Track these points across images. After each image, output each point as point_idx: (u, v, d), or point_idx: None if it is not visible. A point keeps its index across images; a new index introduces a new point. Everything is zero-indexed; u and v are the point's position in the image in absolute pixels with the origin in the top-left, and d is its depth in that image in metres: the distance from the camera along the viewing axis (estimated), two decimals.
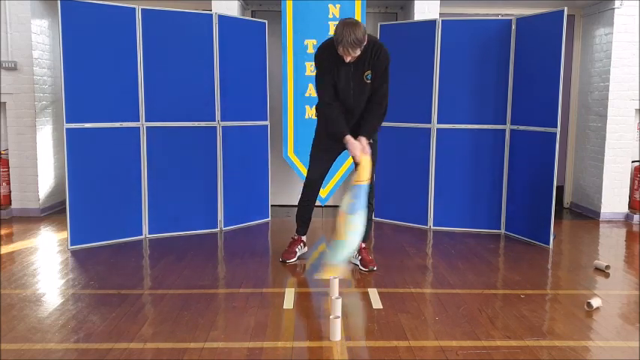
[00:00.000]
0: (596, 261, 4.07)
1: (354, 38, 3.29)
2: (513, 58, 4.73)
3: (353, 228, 3.35)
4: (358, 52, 3.41)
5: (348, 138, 3.58)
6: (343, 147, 3.69)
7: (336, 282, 3.11)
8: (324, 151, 3.85)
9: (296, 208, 4.11)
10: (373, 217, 5.29)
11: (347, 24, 3.34)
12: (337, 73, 3.56)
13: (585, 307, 3.17)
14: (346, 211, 3.37)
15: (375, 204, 3.97)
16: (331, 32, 5.11)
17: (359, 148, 3.54)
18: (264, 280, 3.67)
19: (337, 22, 3.43)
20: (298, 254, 4.03)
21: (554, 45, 4.31)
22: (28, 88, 5.33)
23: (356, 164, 3.58)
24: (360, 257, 3.89)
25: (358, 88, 3.59)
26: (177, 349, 2.62)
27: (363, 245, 3.91)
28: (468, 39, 4.83)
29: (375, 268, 3.80)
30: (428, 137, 4.99)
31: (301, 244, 4.09)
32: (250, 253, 4.24)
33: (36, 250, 4.29)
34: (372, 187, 3.72)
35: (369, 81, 3.58)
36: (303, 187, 3.97)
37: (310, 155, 3.92)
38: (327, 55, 3.54)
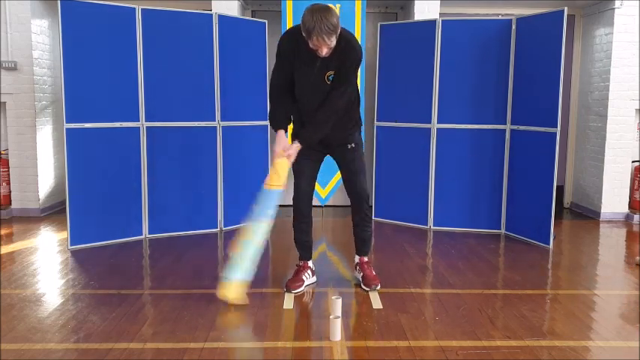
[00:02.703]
0: (638, 257, 4.09)
1: (328, 24, 2.79)
2: (513, 58, 4.73)
3: (248, 237, 3.09)
4: (334, 41, 2.89)
5: (280, 133, 3.19)
6: (324, 151, 3.38)
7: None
8: (305, 158, 3.31)
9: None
10: (373, 218, 5.33)
11: (316, 10, 2.82)
12: (298, 65, 3.09)
13: None
14: (251, 218, 3.11)
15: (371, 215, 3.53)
16: None
17: (281, 147, 3.14)
18: (264, 280, 3.67)
19: (304, 10, 2.87)
20: (306, 283, 3.46)
21: (554, 45, 4.31)
22: (28, 88, 5.34)
23: (272, 165, 3.20)
24: (362, 274, 3.48)
25: (317, 88, 3.10)
26: (177, 349, 2.62)
27: (365, 259, 3.52)
28: (468, 39, 4.82)
29: (378, 287, 3.40)
30: (428, 137, 4.99)
31: (308, 271, 3.51)
32: None
33: (36, 250, 4.29)
34: (365, 195, 3.38)
35: (329, 82, 3.08)
36: (293, 202, 3.40)
37: (293, 166, 3.34)
38: (291, 42, 3.07)
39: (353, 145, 3.34)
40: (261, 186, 3.16)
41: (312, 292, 3.44)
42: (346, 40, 3.01)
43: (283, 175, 3.13)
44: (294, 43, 3.05)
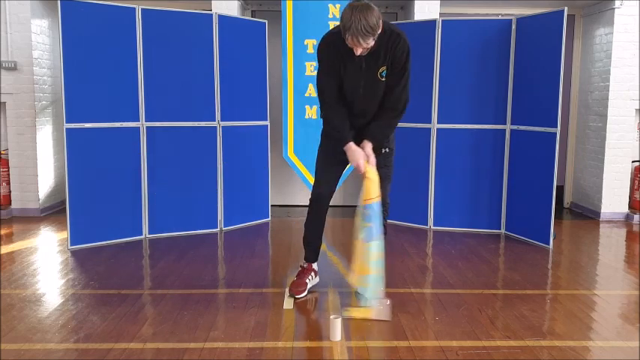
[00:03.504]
0: None
1: (366, 25, 2.64)
2: (513, 58, 4.73)
3: (375, 257, 2.90)
4: (371, 43, 2.74)
5: (350, 145, 3.00)
6: None
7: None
8: (332, 160, 3.18)
9: (302, 215, 3.50)
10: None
11: (356, 7, 2.67)
12: (344, 69, 2.95)
13: None
14: (363, 239, 2.89)
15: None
16: None
17: (362, 157, 2.96)
18: (264, 280, 3.67)
19: (345, 7, 2.74)
20: (309, 286, 3.36)
21: (554, 45, 4.31)
22: (28, 88, 5.34)
23: (363, 178, 2.98)
24: None
25: (370, 88, 2.98)
26: (177, 349, 2.62)
27: None
28: (468, 39, 4.82)
29: (388, 302, 3.13)
30: (428, 137, 4.99)
31: (312, 273, 3.40)
32: (250, 253, 4.24)
33: (36, 250, 4.29)
34: (386, 206, 3.19)
35: (383, 79, 2.95)
36: (310, 203, 3.27)
37: (316, 165, 3.28)
38: (331, 48, 2.92)
39: (387, 150, 3.19)
40: (359, 205, 2.97)
41: (312, 292, 3.43)
42: (390, 30, 2.86)
43: (378, 186, 2.94)
44: (333, 46, 2.92)
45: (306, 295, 3.31)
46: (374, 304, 2.96)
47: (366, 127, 3.09)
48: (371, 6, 2.70)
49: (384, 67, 2.92)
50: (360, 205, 2.94)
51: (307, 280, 3.36)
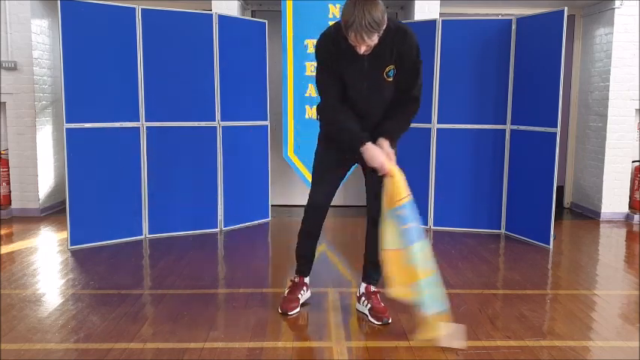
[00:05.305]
0: None
1: (371, 19, 2.38)
2: (513, 58, 4.73)
3: (424, 258, 2.63)
4: (376, 40, 2.50)
5: (368, 145, 2.68)
6: (356, 160, 2.89)
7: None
8: (332, 166, 2.93)
9: (298, 216, 3.26)
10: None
11: (359, 1, 2.41)
12: (345, 68, 2.68)
13: None
14: (404, 243, 2.61)
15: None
16: None
17: (382, 155, 2.67)
18: (264, 280, 3.67)
19: (346, 1, 2.48)
20: (302, 301, 3.14)
21: (554, 45, 4.31)
22: (28, 88, 5.34)
23: (386, 178, 2.70)
24: (369, 306, 2.99)
25: (376, 90, 2.72)
26: (177, 349, 2.62)
27: (373, 289, 3.05)
28: (468, 39, 4.82)
29: (389, 321, 2.93)
30: (428, 137, 4.99)
31: (304, 287, 3.15)
32: (250, 253, 4.24)
33: (36, 250, 4.29)
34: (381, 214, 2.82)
35: (390, 79, 2.69)
36: (305, 212, 3.00)
37: (313, 172, 2.99)
38: (330, 45, 2.66)
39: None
40: (386, 210, 2.69)
41: (313, 292, 3.43)
42: (396, 26, 2.61)
43: (404, 183, 2.68)
44: (331, 44, 2.67)
45: (299, 312, 3.09)
46: (439, 311, 2.62)
47: (376, 127, 2.81)
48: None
49: (392, 67, 2.67)
50: (389, 208, 2.66)
51: (299, 296, 3.13)
